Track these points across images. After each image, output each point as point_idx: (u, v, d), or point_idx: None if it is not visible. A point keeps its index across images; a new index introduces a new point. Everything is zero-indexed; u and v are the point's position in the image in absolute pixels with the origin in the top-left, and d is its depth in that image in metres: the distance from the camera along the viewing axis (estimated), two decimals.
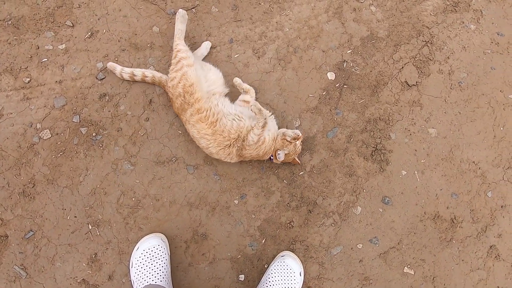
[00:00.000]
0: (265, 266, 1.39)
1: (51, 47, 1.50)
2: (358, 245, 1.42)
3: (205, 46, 1.52)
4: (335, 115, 1.51)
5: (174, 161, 1.43)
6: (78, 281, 1.31)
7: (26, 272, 1.30)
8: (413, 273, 1.41)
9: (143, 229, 1.37)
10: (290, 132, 1.30)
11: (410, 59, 1.61)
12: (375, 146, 1.50)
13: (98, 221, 1.37)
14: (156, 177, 1.41)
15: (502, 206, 1.51)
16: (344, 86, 1.54)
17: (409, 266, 1.42)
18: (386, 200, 1.47)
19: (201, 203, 1.41)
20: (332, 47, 1.60)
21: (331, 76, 1.54)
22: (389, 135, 1.52)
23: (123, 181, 1.41)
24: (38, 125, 1.42)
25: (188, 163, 1.43)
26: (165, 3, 1.58)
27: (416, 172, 1.49)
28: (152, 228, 1.38)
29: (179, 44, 1.36)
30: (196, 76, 1.32)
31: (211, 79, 1.43)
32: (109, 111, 1.46)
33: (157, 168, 1.41)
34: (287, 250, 1.39)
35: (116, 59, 1.51)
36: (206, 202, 1.40)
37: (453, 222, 1.49)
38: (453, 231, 1.48)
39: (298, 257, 1.38)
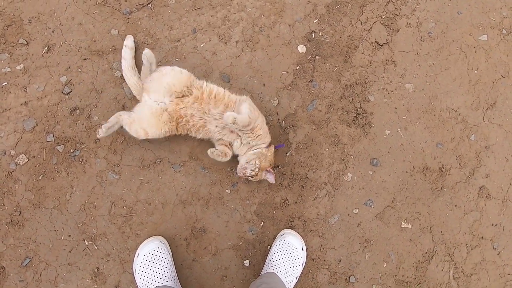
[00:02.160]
0: (268, 248, 1.39)
1: (8, 69, 1.41)
2: (354, 211, 1.42)
3: (146, 57, 1.32)
4: (312, 87, 1.48)
5: (158, 162, 1.38)
6: None
7: None
8: (410, 226, 1.43)
9: (140, 235, 1.34)
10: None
11: (377, 18, 1.58)
12: (355, 111, 1.48)
13: (93, 235, 1.33)
14: (144, 181, 1.37)
15: (486, 147, 1.53)
16: (316, 57, 1.50)
17: (405, 221, 1.43)
18: (375, 162, 1.46)
19: (193, 199, 1.38)
20: (298, 20, 1.55)
21: (301, 49, 1.50)
22: (368, 98, 1.49)
23: (111, 192, 1.37)
24: (12, 151, 1.35)
25: (173, 161, 1.38)
26: (119, 3, 1.49)
27: (399, 129, 1.48)
28: (149, 233, 1.34)
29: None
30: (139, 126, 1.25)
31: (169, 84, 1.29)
32: (83, 124, 1.40)
33: (143, 172, 1.37)
34: (286, 228, 1.39)
35: (79, 69, 1.44)
36: (199, 197, 1.38)
37: (442, 171, 1.50)
38: (443, 180, 1.49)
39: (298, 232, 1.39)
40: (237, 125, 1.17)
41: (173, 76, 1.24)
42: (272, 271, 1.24)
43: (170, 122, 1.24)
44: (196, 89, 1.25)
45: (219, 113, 1.22)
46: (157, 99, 1.24)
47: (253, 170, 1.24)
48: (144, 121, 1.24)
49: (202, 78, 1.42)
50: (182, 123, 1.25)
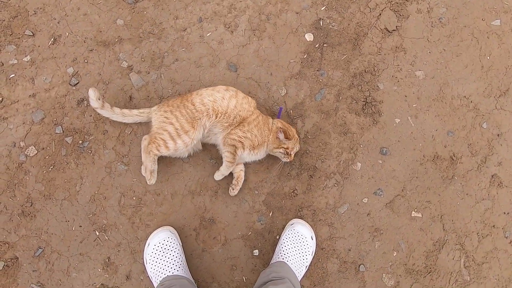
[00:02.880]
0: (277, 237, 1.38)
1: (16, 61, 1.40)
2: (363, 200, 1.39)
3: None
4: (320, 76, 1.44)
5: None
6: (97, 286, 1.30)
7: None
8: (420, 215, 1.39)
9: (150, 226, 1.34)
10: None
11: (386, 4, 1.53)
12: (365, 100, 1.44)
13: (104, 226, 1.34)
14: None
15: (498, 135, 1.49)
16: (324, 45, 1.46)
17: (416, 210, 1.40)
18: (384, 151, 1.43)
19: (202, 190, 1.36)
20: (305, 7, 1.51)
21: (309, 37, 1.47)
22: (377, 86, 1.45)
23: (120, 183, 1.36)
24: (22, 143, 1.36)
25: None
26: None
27: (409, 117, 1.44)
28: (158, 223, 1.33)
29: None
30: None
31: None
32: (91, 115, 1.39)
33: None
34: (295, 218, 1.38)
35: (85, 61, 1.43)
36: (207, 188, 1.36)
37: (453, 160, 1.46)
38: (454, 168, 1.45)
39: (307, 222, 1.38)
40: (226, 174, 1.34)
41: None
42: (282, 260, 1.23)
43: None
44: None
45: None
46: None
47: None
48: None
49: (209, 68, 1.41)
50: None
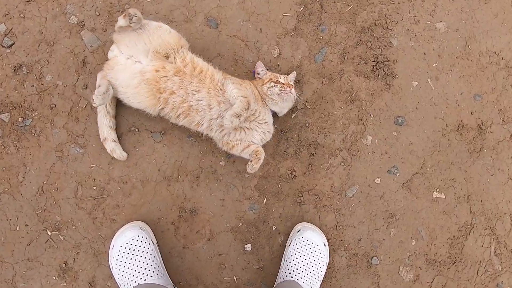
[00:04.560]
0: (273, 228, 1.15)
1: None
2: (375, 180, 1.19)
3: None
4: (320, 32, 1.20)
5: (134, 131, 1.11)
6: None
7: None
8: (444, 196, 1.20)
9: (116, 221, 1.08)
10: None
11: None
12: (375, 60, 1.21)
13: (57, 223, 1.07)
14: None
15: None
16: None
17: (438, 190, 1.20)
18: (400, 121, 1.21)
19: (180, 174, 1.13)
20: None
21: None
22: (390, 42, 1.22)
23: (76, 169, 1.08)
24: None
25: (152, 129, 1.12)
26: None
27: (429, 79, 1.22)
28: (127, 217, 1.09)
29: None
30: None
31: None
32: (32, 85, 1.08)
33: None
34: (301, 222, 1.14)
35: (21, 15, 1.10)
36: (187, 172, 1.13)
37: (481, 129, 1.23)
38: (482, 139, 1.23)
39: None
40: (240, 117, 0.98)
41: (158, 36, 0.99)
42: (291, 278, 1.00)
43: (149, 96, 0.99)
44: (179, 59, 1.02)
45: (204, 102, 1.00)
46: (132, 54, 0.99)
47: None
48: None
49: (183, 24, 1.12)
50: (160, 106, 1.00)
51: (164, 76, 0.97)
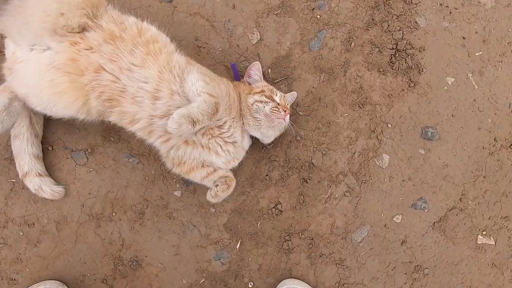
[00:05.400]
0: (249, 286, 0.89)
1: None
2: (394, 218, 0.96)
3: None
4: (317, 9, 0.98)
5: (46, 149, 0.87)
6: None
7: None
8: (493, 242, 0.99)
9: (17, 281, 0.86)
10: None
11: None
12: (394, 47, 0.98)
13: None
14: (19, 185, 0.87)
15: None
16: None
17: (484, 232, 1.00)
18: (429, 133, 0.97)
19: (116, 211, 0.91)
20: None
21: None
22: (416, 22, 0.99)
23: None
24: None
25: (74, 146, 0.89)
26: None
27: (470, 75, 0.99)
28: (34, 275, 0.88)
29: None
30: None
31: None
32: None
33: (15, 169, 0.86)
34: (285, 278, 0.93)
35: None
36: (125, 207, 0.90)
37: None
38: None
39: (302, 279, 0.91)
40: (196, 124, 0.70)
41: None
42: None
43: (73, 91, 0.72)
44: (110, 22, 0.75)
45: (149, 87, 0.72)
46: (33, 41, 0.72)
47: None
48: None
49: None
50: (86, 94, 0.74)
51: (86, 49, 0.70)
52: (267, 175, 0.95)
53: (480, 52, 1.00)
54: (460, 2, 1.00)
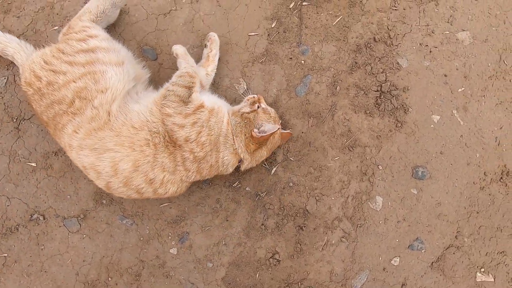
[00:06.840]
0: None
1: None
2: (392, 261, 0.92)
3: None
4: (300, 55, 0.95)
5: (37, 219, 0.82)
6: None
7: None
8: (492, 279, 0.95)
9: None
10: (242, 104, 0.85)
11: None
12: (379, 89, 0.96)
13: None
14: (11, 258, 0.81)
15: None
16: (304, 3, 0.97)
17: (482, 270, 0.94)
18: (420, 173, 0.94)
19: (111, 275, 0.86)
20: None
21: None
22: (397, 63, 0.97)
23: None
24: None
25: (65, 214, 0.84)
26: None
27: (454, 111, 0.96)
28: None
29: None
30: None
31: None
32: None
33: (5, 242, 0.81)
34: None
35: None
36: (121, 270, 0.88)
37: None
38: None
39: None
40: None
41: None
42: None
43: None
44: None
45: None
46: None
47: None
48: None
49: None
50: None
51: None
52: (262, 224, 0.91)
53: (463, 88, 0.97)
54: (439, 41, 0.97)
